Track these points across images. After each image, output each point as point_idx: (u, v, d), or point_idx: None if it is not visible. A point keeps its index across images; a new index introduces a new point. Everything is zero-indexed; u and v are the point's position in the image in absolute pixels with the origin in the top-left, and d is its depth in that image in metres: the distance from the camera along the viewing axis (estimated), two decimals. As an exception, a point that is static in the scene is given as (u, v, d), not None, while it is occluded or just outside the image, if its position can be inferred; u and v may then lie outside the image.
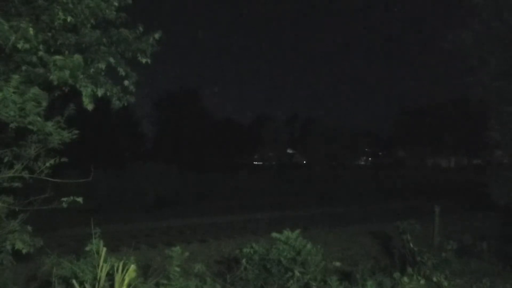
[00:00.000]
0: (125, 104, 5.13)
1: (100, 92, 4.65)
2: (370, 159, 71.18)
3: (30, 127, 4.09)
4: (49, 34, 4.33)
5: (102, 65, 4.73)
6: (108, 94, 4.82)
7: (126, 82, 5.07)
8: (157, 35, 5.17)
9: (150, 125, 49.84)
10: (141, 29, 5.07)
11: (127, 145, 38.25)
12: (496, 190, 10.65)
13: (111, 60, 4.81)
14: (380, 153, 72.41)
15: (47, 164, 4.73)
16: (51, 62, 4.20)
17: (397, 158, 66.91)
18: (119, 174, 20.11)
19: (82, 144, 10.30)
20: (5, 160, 4.60)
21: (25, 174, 4.67)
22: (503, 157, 10.96)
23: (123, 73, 5.02)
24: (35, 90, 4.05)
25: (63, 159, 4.82)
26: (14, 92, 3.85)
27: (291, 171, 39.74)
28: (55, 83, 4.26)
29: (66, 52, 4.51)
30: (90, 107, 4.59)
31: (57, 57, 4.20)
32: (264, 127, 55.87)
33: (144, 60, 5.18)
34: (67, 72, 4.20)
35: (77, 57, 4.26)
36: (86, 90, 4.48)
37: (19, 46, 3.93)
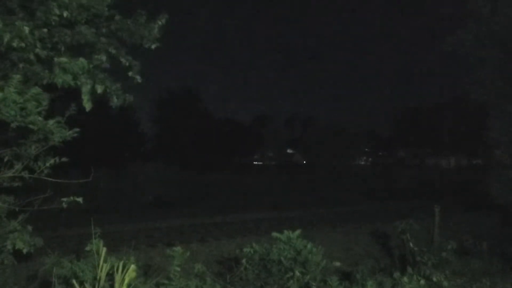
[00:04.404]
0: (125, 101, 4.98)
1: (100, 89, 4.57)
2: (370, 159, 71.12)
3: (31, 126, 4.08)
4: (45, 30, 4.26)
5: (103, 57, 4.64)
6: (108, 91, 4.73)
7: (130, 73, 4.95)
8: (163, 20, 4.94)
9: (150, 125, 49.76)
10: (144, 17, 4.87)
11: (127, 145, 38.19)
12: (496, 190, 10.65)
13: (112, 51, 4.73)
14: (380, 153, 72.31)
15: (47, 164, 4.71)
16: (56, 64, 4.16)
17: (397, 158, 66.87)
18: (119, 174, 20.11)
19: (82, 144, 10.30)
20: (5, 160, 4.59)
21: (25, 174, 4.66)
22: (503, 157, 10.95)
23: (126, 63, 4.92)
24: (35, 90, 4.04)
25: (63, 159, 4.81)
26: (14, 92, 3.84)
27: (291, 171, 39.72)
28: (59, 86, 4.22)
29: (63, 48, 4.45)
30: (88, 106, 4.46)
31: (62, 59, 4.15)
32: (264, 127, 55.90)
33: (152, 46, 4.96)
34: (70, 76, 4.17)
35: (82, 61, 4.20)
36: (86, 87, 4.41)
37: (14, 44, 3.89)
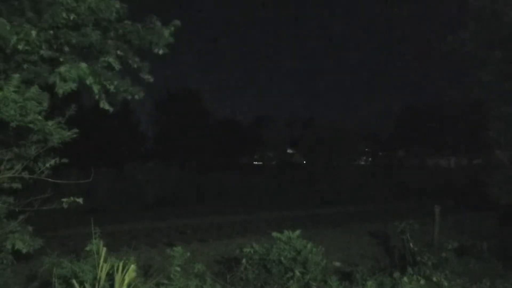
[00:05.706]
0: (133, 96, 4.98)
1: (111, 87, 4.55)
2: (370, 159, 71.07)
3: (30, 126, 4.08)
4: (51, 32, 4.27)
5: (110, 59, 4.63)
6: (118, 89, 4.72)
7: (141, 74, 4.98)
8: (173, 28, 4.98)
9: (150, 125, 49.72)
10: (157, 23, 4.92)
11: (127, 145, 38.16)
12: (496, 190, 10.66)
13: (120, 53, 4.74)
14: (380, 153, 72.27)
15: (47, 165, 4.72)
16: (56, 74, 4.15)
17: (397, 158, 66.86)
18: (119, 174, 20.10)
19: (82, 145, 10.30)
20: (5, 160, 4.59)
21: (25, 175, 4.66)
22: (503, 157, 10.96)
23: (135, 65, 4.94)
24: (35, 89, 4.04)
25: (63, 160, 4.81)
26: (14, 91, 3.84)
27: (291, 171, 39.73)
28: (61, 95, 4.23)
29: (67, 49, 4.44)
30: (108, 107, 4.52)
31: (62, 68, 4.14)
32: (264, 127, 55.83)
33: (160, 51, 5.01)
34: (72, 84, 4.17)
35: (83, 66, 4.20)
36: (96, 87, 4.40)
37: (20, 47, 3.90)
